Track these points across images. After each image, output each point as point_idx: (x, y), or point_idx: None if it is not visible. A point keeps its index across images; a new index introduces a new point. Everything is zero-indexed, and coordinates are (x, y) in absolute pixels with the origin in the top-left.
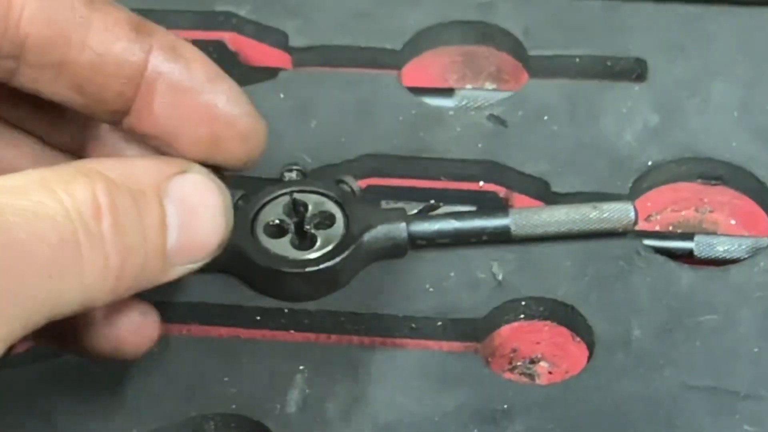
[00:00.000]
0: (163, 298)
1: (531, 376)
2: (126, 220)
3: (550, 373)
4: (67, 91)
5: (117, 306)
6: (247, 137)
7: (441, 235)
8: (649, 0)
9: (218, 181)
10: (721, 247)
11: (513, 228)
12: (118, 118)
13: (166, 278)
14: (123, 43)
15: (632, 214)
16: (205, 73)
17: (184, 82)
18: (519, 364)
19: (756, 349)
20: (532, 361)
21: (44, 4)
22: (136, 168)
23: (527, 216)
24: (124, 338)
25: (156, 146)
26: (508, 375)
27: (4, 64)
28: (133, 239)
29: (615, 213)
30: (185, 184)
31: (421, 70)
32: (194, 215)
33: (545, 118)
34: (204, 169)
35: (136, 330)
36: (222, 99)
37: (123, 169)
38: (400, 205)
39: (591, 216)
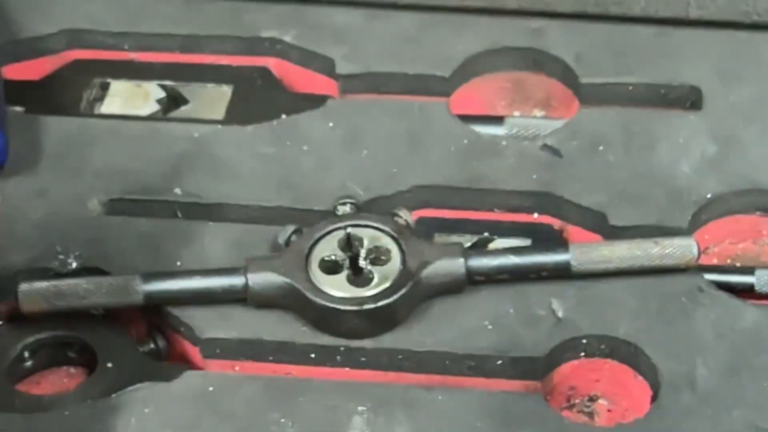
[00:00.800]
0: (214, 334)
1: (590, 414)
2: None
3: (609, 411)
4: None
5: None
6: None
7: (500, 270)
8: (702, 26)
9: None
10: None
11: (573, 264)
12: None
13: None
14: None
15: (695, 250)
16: None
17: None
18: (577, 401)
19: None
20: (591, 399)
21: None
22: None
23: (588, 251)
24: None
25: None
26: (566, 413)
27: None
28: None
29: (678, 249)
30: None
31: (469, 96)
32: None
33: (600, 148)
34: None
35: None
36: None
37: None
38: (453, 238)
39: (653, 252)
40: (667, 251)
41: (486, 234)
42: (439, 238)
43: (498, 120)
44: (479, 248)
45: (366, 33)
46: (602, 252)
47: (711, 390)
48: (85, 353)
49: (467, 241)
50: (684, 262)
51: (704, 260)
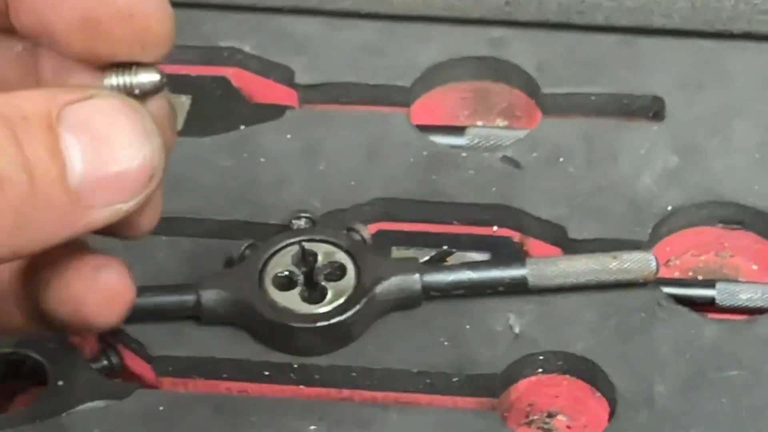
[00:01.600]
0: (167, 352)
1: (548, 431)
2: None
3: (568, 427)
4: None
5: (72, 261)
6: (129, 15)
7: (456, 286)
8: (666, 35)
9: (135, 103)
10: (744, 295)
11: (530, 279)
12: (5, 19)
13: (85, 221)
14: None
15: (653, 265)
16: None
17: None
18: (536, 418)
19: None
20: (550, 415)
21: None
22: (17, 97)
23: (545, 266)
24: (85, 302)
25: (49, 47)
26: (524, 429)
27: None
28: (7, 167)
29: (636, 263)
30: (86, 109)
31: (430, 106)
32: (103, 142)
33: (561, 159)
34: (114, 93)
35: (101, 292)
36: None
37: (1, 98)
38: (411, 251)
39: (611, 266)
40: (625, 266)
41: (445, 247)
42: (398, 251)
43: (460, 130)
44: (436, 263)
45: (326, 43)
46: (559, 266)
47: (668, 407)
48: (36, 370)
49: (426, 254)
50: (642, 276)
51: (666, 273)
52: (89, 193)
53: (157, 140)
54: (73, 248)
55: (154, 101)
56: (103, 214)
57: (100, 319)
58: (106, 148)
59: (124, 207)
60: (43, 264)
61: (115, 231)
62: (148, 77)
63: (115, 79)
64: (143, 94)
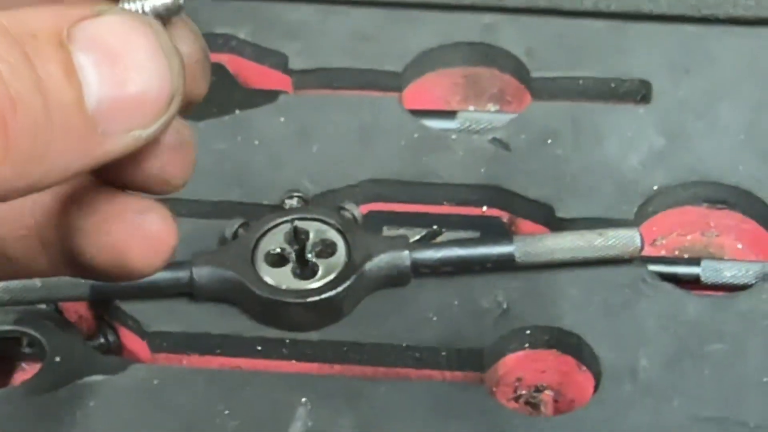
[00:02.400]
0: (161, 328)
1: (536, 405)
2: (4, 66)
3: (555, 401)
4: None
5: (112, 206)
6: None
7: (444, 263)
8: (653, 20)
9: (149, 19)
10: (728, 273)
11: (517, 255)
12: None
13: (103, 148)
14: None
15: (638, 241)
16: None
17: None
18: (524, 392)
19: (765, 379)
20: (537, 390)
21: None
22: (23, 14)
23: (532, 243)
24: (129, 249)
25: None
26: (512, 404)
27: None
28: (20, 88)
29: (621, 240)
30: (98, 26)
31: (422, 92)
32: (118, 61)
33: (549, 141)
34: (126, 10)
35: (146, 238)
36: None
37: (6, 16)
38: (402, 231)
39: (596, 243)
40: (610, 242)
41: (435, 227)
42: (389, 231)
43: (451, 114)
44: (426, 241)
45: (319, 29)
46: (546, 243)
47: (652, 380)
48: (35, 348)
49: (417, 234)
50: (628, 252)
51: (652, 252)
52: (106, 116)
53: (176, 61)
54: (112, 193)
55: (187, 45)
56: (122, 140)
57: (143, 266)
58: (122, 67)
59: (143, 134)
60: (79, 210)
61: (148, 185)
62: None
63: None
64: (158, 17)
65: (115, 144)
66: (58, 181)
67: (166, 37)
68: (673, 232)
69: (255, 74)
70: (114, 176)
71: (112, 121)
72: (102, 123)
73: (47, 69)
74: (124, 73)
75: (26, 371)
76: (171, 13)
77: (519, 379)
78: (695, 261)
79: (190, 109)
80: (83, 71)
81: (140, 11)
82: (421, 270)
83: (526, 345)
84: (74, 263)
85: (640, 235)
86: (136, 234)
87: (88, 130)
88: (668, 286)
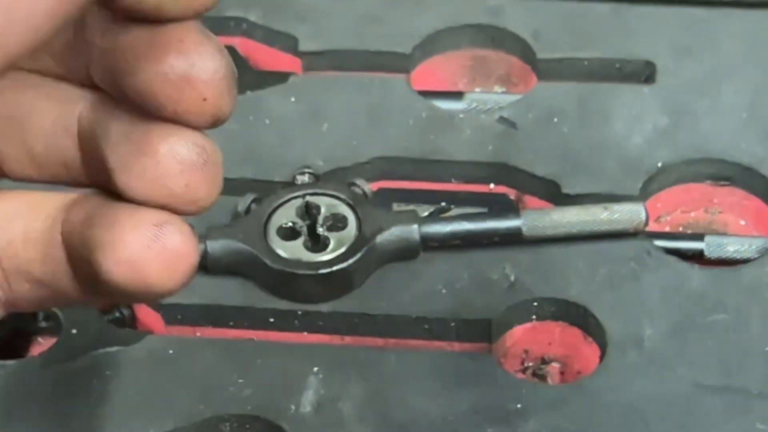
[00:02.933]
0: (175, 300)
1: (543, 377)
2: None
3: (561, 373)
4: None
5: (129, 216)
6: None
7: (453, 236)
8: (658, 3)
9: None
10: (731, 248)
11: (524, 229)
12: None
13: None
14: None
15: (643, 215)
16: None
17: None
18: (531, 364)
19: (767, 348)
20: (544, 362)
21: None
22: None
23: (538, 217)
24: (145, 263)
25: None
26: (519, 376)
27: None
28: None
29: (626, 214)
30: None
31: (430, 74)
32: None
33: (555, 120)
34: None
35: (163, 252)
36: None
37: None
38: (411, 207)
39: (602, 217)
40: (615, 216)
41: (443, 204)
42: (398, 207)
43: (459, 96)
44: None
45: (329, 12)
46: (553, 217)
47: (656, 349)
48: (50, 322)
49: (425, 211)
50: (633, 226)
51: (657, 228)
52: None
53: None
54: (133, 208)
55: (210, 60)
56: None
57: (161, 281)
58: None
59: None
60: (99, 224)
61: (173, 204)
62: None
63: None
64: None
65: None
66: (29, 35)
67: None
68: (677, 208)
69: (266, 56)
70: (138, 193)
71: None
72: None
73: None
74: None
75: (42, 345)
76: None
77: (526, 351)
78: (699, 236)
79: (217, 125)
80: None
81: None
82: (430, 244)
83: (533, 317)
84: (99, 284)
85: (645, 209)
86: (153, 246)
87: None
88: (672, 259)
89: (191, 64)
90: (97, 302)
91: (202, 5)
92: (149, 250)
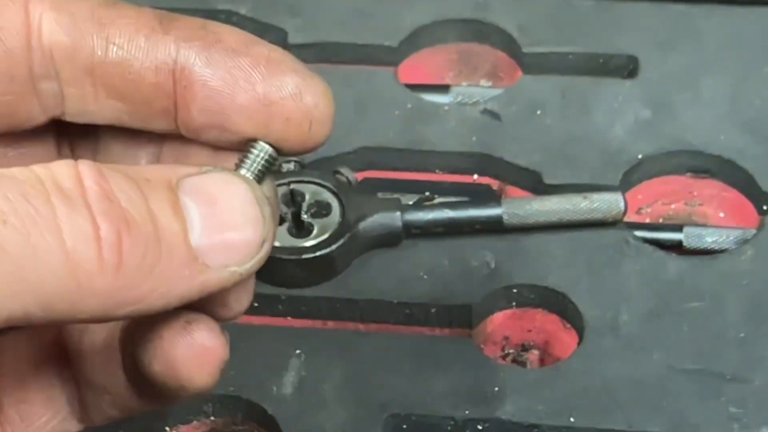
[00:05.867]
0: None
1: (522, 363)
2: (122, 195)
3: (541, 360)
4: (109, 103)
5: (169, 320)
6: (299, 94)
7: (435, 224)
8: None
9: (245, 176)
10: (709, 238)
11: (505, 217)
12: (171, 121)
13: (202, 278)
14: (146, 31)
15: (621, 204)
16: (238, 40)
17: (219, 54)
18: (511, 351)
19: (741, 334)
20: (524, 349)
21: (60, 12)
22: (141, 167)
23: (519, 206)
24: (177, 359)
25: (215, 138)
26: (499, 362)
27: (46, 87)
28: (135, 213)
29: (605, 203)
30: (203, 179)
31: (417, 67)
32: (217, 207)
33: (538, 112)
34: (228, 169)
35: (192, 348)
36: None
37: (124, 166)
38: (395, 196)
39: (581, 206)
40: (594, 205)
41: (427, 193)
42: (383, 196)
43: (445, 89)
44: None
45: (318, 5)
46: (533, 206)
47: (632, 334)
48: None
49: (410, 200)
50: (611, 215)
51: (637, 219)
52: (207, 252)
53: (267, 209)
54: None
55: (265, 185)
56: (220, 274)
57: (193, 376)
58: (221, 213)
59: (239, 270)
60: (140, 321)
61: (211, 310)
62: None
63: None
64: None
65: (214, 277)
66: (161, 305)
67: (260, 189)
68: (658, 200)
69: None
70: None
71: (211, 255)
72: (202, 256)
73: (158, 203)
74: (222, 217)
75: None
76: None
77: (506, 338)
78: (678, 227)
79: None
80: (188, 210)
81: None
82: (412, 231)
83: (513, 303)
84: (145, 384)
85: (624, 198)
86: (184, 342)
87: (190, 258)
88: (650, 248)
89: None
90: (151, 406)
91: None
92: (180, 346)
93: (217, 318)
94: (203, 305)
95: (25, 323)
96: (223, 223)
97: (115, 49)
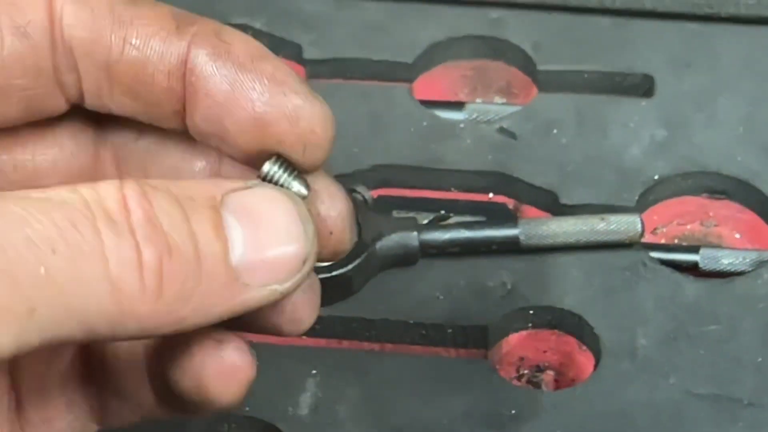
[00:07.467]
0: None
1: (537, 384)
2: (165, 218)
3: (556, 381)
4: (123, 98)
5: (201, 338)
6: (295, 117)
7: (452, 244)
8: (657, 18)
9: (290, 193)
10: (725, 260)
11: (522, 238)
12: (182, 123)
13: (242, 298)
14: (162, 34)
15: (639, 226)
16: (247, 53)
17: (224, 66)
18: (526, 372)
19: (759, 359)
20: (539, 370)
21: (81, 7)
22: (186, 183)
23: (536, 226)
24: (207, 377)
25: (217, 147)
26: (515, 383)
27: (68, 79)
28: (176, 237)
29: (622, 225)
30: (247, 196)
31: (432, 83)
32: (261, 225)
33: (554, 131)
34: (271, 185)
35: (222, 367)
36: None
37: (170, 182)
38: (411, 215)
39: (599, 227)
40: (612, 227)
41: (443, 212)
42: (398, 214)
43: (460, 106)
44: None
45: (333, 21)
46: (550, 227)
47: (649, 358)
48: None
49: (425, 218)
50: (629, 237)
51: (653, 240)
52: (247, 271)
53: (310, 227)
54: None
55: (333, 205)
56: (260, 293)
57: (221, 396)
58: (264, 231)
59: (279, 288)
60: (171, 338)
61: (280, 328)
62: (296, 186)
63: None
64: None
65: (254, 296)
66: (200, 323)
67: (304, 207)
68: (673, 221)
69: None
70: (252, 320)
71: (252, 274)
72: (243, 275)
73: (200, 225)
74: (266, 237)
75: None
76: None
77: (522, 359)
78: (694, 248)
79: (338, 257)
80: (230, 230)
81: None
82: (428, 250)
83: (529, 324)
84: (171, 396)
85: (642, 220)
86: (214, 362)
87: (230, 279)
88: (667, 270)
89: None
90: (172, 415)
91: None
92: (210, 365)
93: (289, 334)
94: (274, 329)
95: (65, 343)
96: (266, 241)
97: (131, 49)
